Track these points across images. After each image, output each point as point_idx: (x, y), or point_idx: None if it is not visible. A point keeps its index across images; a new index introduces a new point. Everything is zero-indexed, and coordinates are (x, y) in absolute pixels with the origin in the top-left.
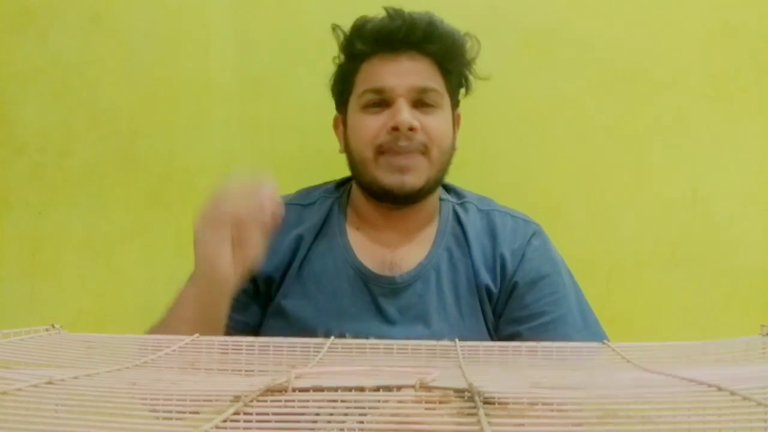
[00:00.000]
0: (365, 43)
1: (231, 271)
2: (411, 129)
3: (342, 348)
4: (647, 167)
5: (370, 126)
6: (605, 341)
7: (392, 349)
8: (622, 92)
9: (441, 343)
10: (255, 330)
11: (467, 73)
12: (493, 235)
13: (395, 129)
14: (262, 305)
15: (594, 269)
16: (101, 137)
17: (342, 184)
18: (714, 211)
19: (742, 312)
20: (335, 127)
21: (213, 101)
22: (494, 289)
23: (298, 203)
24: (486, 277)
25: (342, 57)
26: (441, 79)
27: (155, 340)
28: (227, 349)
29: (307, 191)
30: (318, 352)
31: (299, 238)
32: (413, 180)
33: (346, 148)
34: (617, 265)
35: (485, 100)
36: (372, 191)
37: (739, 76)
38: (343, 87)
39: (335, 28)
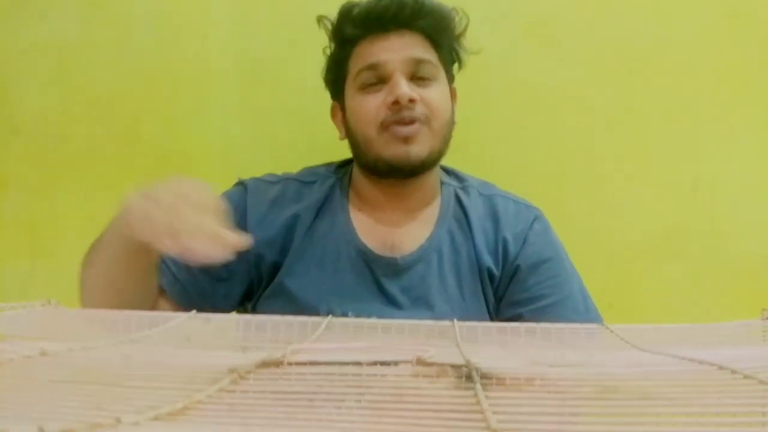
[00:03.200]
0: (355, 27)
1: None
2: (411, 101)
3: (340, 327)
4: (649, 155)
5: (369, 105)
6: (604, 323)
7: (390, 328)
8: (625, 80)
9: (439, 323)
10: (231, 305)
11: (458, 47)
12: (495, 218)
13: (395, 103)
14: (247, 282)
15: (594, 257)
16: (100, 119)
17: (342, 166)
18: (716, 199)
19: (743, 300)
20: (333, 116)
21: (212, 85)
22: (496, 272)
23: (298, 179)
24: (488, 260)
25: (332, 45)
26: (434, 52)
27: (151, 317)
28: (224, 326)
29: (309, 170)
30: (315, 330)
31: (295, 217)
32: (418, 150)
33: (348, 133)
34: (618, 252)
35: (487, 87)
36: (377, 169)
37: (743, 64)
38: (337, 74)
39: (321, 19)
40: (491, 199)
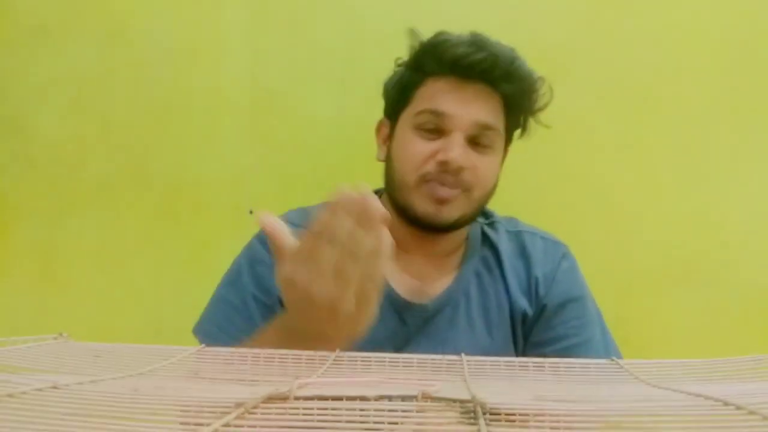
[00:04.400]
0: (440, 64)
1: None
2: (460, 168)
3: (347, 361)
4: (660, 186)
5: (419, 150)
6: (612, 358)
7: (398, 362)
8: (636, 110)
9: (447, 357)
10: None
11: (531, 118)
12: (525, 256)
13: (444, 163)
14: None
15: (607, 288)
16: (114, 150)
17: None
18: (727, 229)
19: (755, 331)
20: (378, 130)
21: (225, 116)
22: (529, 313)
23: None
24: (523, 302)
25: (408, 64)
26: (504, 119)
27: (161, 350)
28: (232, 359)
29: None
30: (323, 364)
31: None
32: (449, 212)
33: (387, 162)
34: (630, 283)
35: None
36: (405, 214)
37: (752, 94)
38: (400, 95)
39: (412, 32)
40: (519, 236)
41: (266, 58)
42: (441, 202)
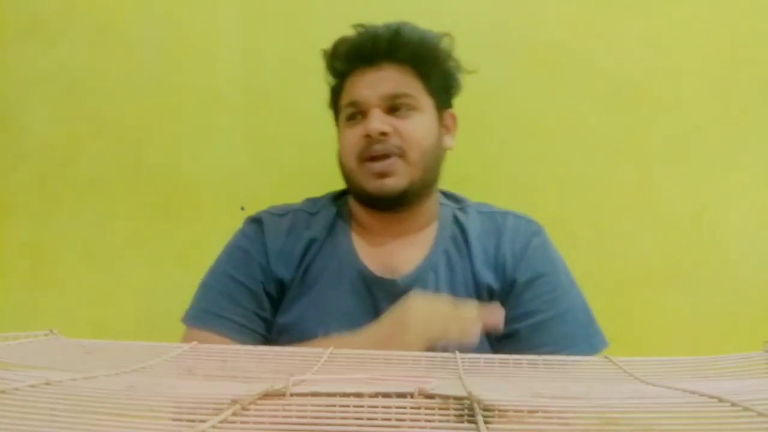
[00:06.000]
0: (341, 62)
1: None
2: (383, 134)
3: (342, 358)
4: (653, 185)
5: (350, 137)
6: (607, 356)
7: (392, 359)
8: (629, 109)
9: (441, 354)
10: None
11: (450, 70)
12: (496, 234)
13: (368, 136)
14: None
15: (599, 286)
16: (106, 147)
17: (341, 196)
18: (720, 229)
19: (747, 330)
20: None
21: (219, 113)
22: (495, 288)
23: (304, 209)
24: (488, 276)
25: (329, 78)
26: (418, 83)
27: (153, 347)
28: (226, 356)
29: (311, 200)
30: (317, 361)
31: (309, 242)
32: (393, 182)
33: (339, 161)
34: (622, 282)
35: (491, 115)
36: (361, 198)
37: (746, 94)
38: (334, 105)
39: (324, 53)
40: (491, 216)
41: (260, 54)
42: (381, 175)
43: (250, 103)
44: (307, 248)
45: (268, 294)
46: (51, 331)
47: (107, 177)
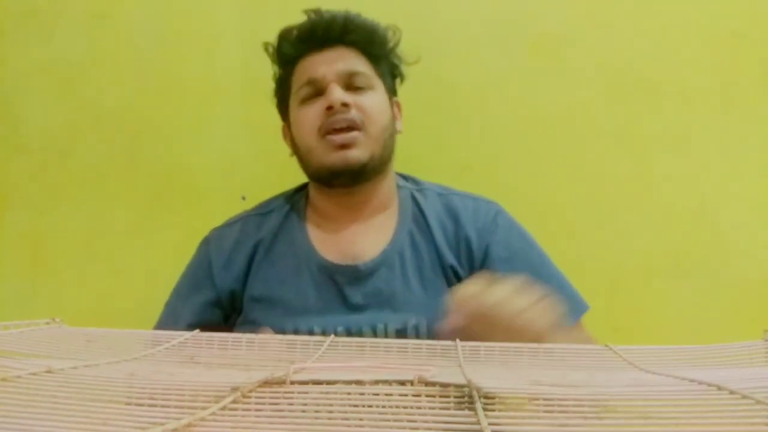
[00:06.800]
0: (293, 47)
1: None
2: (344, 105)
3: (342, 346)
4: (654, 175)
5: (308, 115)
6: (607, 345)
7: (392, 347)
8: (629, 100)
9: (442, 342)
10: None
11: (394, 60)
12: (454, 217)
13: (330, 108)
14: (224, 316)
15: (599, 277)
16: (104, 137)
17: (300, 190)
18: (720, 220)
19: (747, 322)
20: (284, 136)
21: (217, 103)
22: (460, 270)
23: (258, 213)
24: (450, 257)
25: (277, 68)
26: (369, 65)
27: (155, 335)
28: (227, 345)
29: (267, 201)
30: (318, 349)
31: (255, 245)
32: (356, 154)
33: (293, 147)
34: (622, 273)
35: (491, 106)
36: (321, 177)
37: (747, 85)
38: (282, 94)
39: (266, 45)
40: (448, 198)
41: (258, 45)
42: (343, 147)
43: (249, 92)
44: (254, 252)
45: (222, 306)
46: (53, 319)
47: (106, 167)
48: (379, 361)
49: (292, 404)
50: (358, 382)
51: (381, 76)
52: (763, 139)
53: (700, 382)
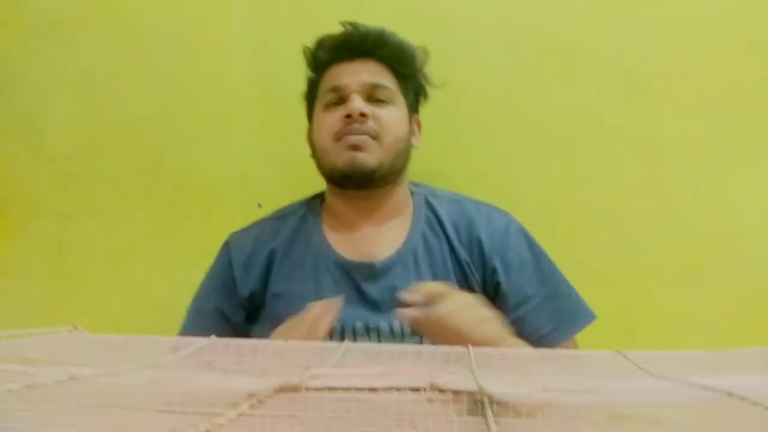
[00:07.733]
0: (325, 53)
1: None
2: (362, 115)
3: (357, 352)
4: (667, 180)
5: (329, 119)
6: (620, 351)
7: (407, 353)
8: (642, 104)
9: (455, 349)
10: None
11: (420, 80)
12: (468, 219)
13: (348, 116)
14: (246, 316)
15: (613, 281)
16: (125, 147)
17: (316, 197)
18: (734, 224)
19: (763, 325)
20: (308, 137)
21: (234, 113)
22: (473, 268)
23: (275, 218)
24: (463, 254)
25: (309, 67)
26: (393, 81)
27: (173, 342)
28: (243, 351)
29: (284, 207)
30: (333, 355)
31: (272, 252)
32: (365, 156)
33: (313, 150)
34: (637, 277)
35: (504, 112)
36: (333, 179)
37: (760, 88)
38: (310, 96)
39: (305, 50)
40: (462, 204)
41: (273, 55)
42: (355, 148)
43: (265, 100)
44: (273, 254)
45: (244, 306)
46: (75, 326)
47: (127, 176)
48: (393, 368)
49: (306, 410)
50: (372, 389)
51: (404, 92)
52: None
53: (711, 389)
